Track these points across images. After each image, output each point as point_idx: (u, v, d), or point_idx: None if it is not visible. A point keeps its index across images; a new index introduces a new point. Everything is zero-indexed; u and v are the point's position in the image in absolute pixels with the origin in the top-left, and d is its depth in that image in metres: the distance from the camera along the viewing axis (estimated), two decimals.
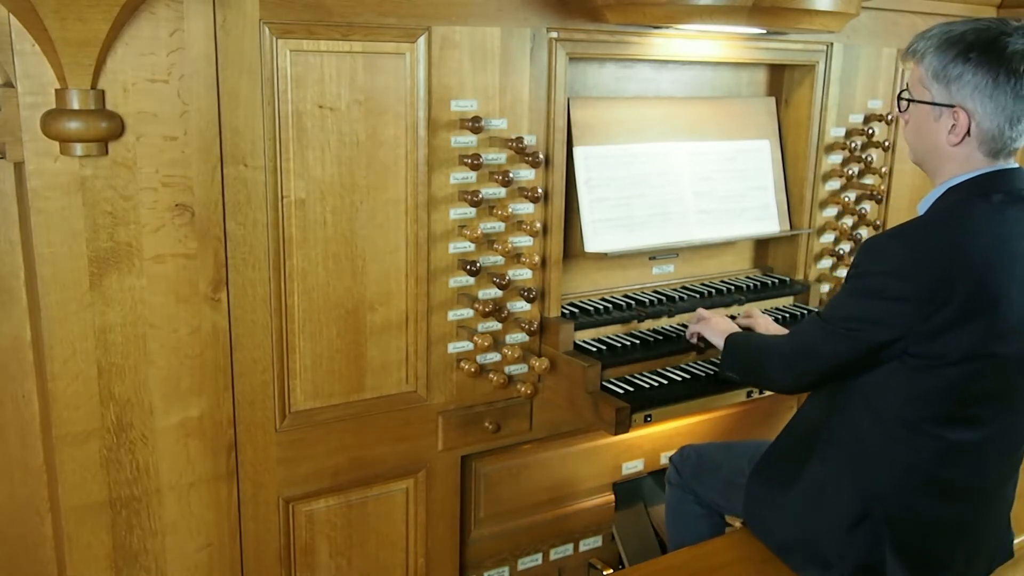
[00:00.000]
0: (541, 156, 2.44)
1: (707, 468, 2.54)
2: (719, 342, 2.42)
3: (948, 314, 1.83)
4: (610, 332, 2.70)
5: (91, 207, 1.95)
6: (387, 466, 2.49)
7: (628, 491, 3.04)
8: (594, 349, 2.60)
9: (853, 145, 3.12)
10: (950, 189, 1.96)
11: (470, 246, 2.45)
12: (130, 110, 1.94)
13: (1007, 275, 1.85)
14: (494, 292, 2.50)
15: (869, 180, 3.22)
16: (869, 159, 3.16)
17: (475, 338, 2.49)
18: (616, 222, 2.74)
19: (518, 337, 2.58)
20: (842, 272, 3.24)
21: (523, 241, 2.52)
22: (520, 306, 2.57)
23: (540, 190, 2.45)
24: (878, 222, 3.27)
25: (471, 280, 2.47)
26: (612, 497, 3.01)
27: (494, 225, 2.46)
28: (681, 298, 2.88)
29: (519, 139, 2.40)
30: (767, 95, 3.13)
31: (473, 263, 2.42)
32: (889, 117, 3.18)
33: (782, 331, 2.55)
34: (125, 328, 2.05)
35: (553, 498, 2.89)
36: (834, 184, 3.17)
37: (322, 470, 2.39)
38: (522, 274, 2.54)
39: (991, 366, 1.88)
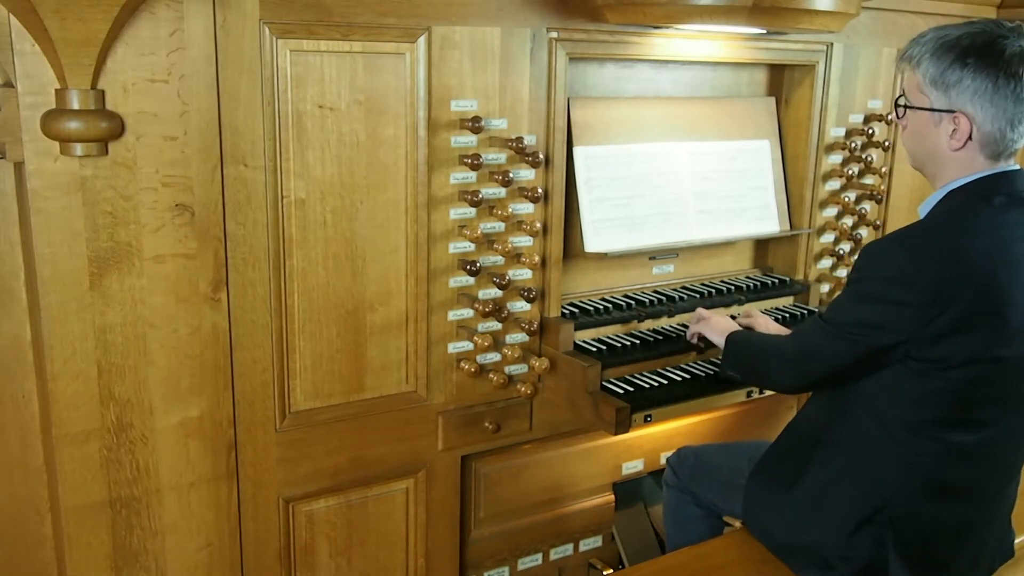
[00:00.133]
0: (541, 156, 2.44)
1: (706, 469, 2.54)
2: (720, 341, 2.42)
3: (950, 318, 1.82)
4: (610, 332, 2.70)
5: (91, 207, 1.95)
6: (387, 466, 2.49)
7: (628, 491, 3.04)
8: (594, 349, 2.60)
9: (853, 145, 3.12)
10: (951, 192, 1.95)
11: (470, 246, 2.45)
12: (130, 110, 1.94)
13: (1010, 278, 1.85)
14: (494, 292, 2.49)
15: (869, 180, 3.22)
16: (869, 159, 3.16)
17: (475, 338, 2.49)
18: (616, 222, 2.74)
19: (518, 337, 2.58)
20: (842, 272, 3.24)
21: (523, 241, 2.52)
22: (520, 306, 2.57)
23: (540, 190, 2.45)
24: (878, 222, 3.27)
25: (471, 280, 2.47)
26: (612, 497, 3.01)
27: (494, 225, 2.46)
28: (681, 298, 2.88)
29: (519, 139, 2.40)
30: (767, 95, 3.13)
31: (473, 263, 2.42)
32: (889, 118, 3.18)
33: (782, 331, 2.55)
34: (125, 328, 2.05)
35: (553, 498, 2.89)
36: (834, 184, 3.17)
37: (322, 470, 2.39)
38: (522, 274, 2.54)
39: (994, 369, 1.88)
